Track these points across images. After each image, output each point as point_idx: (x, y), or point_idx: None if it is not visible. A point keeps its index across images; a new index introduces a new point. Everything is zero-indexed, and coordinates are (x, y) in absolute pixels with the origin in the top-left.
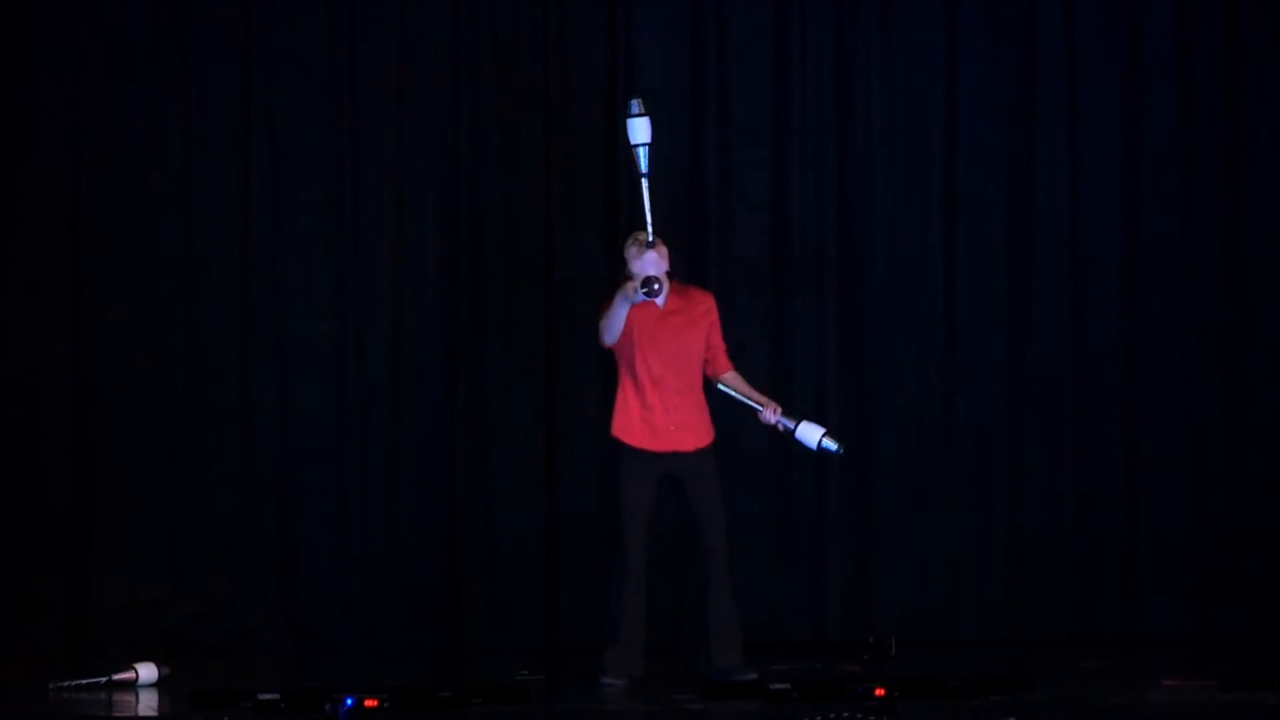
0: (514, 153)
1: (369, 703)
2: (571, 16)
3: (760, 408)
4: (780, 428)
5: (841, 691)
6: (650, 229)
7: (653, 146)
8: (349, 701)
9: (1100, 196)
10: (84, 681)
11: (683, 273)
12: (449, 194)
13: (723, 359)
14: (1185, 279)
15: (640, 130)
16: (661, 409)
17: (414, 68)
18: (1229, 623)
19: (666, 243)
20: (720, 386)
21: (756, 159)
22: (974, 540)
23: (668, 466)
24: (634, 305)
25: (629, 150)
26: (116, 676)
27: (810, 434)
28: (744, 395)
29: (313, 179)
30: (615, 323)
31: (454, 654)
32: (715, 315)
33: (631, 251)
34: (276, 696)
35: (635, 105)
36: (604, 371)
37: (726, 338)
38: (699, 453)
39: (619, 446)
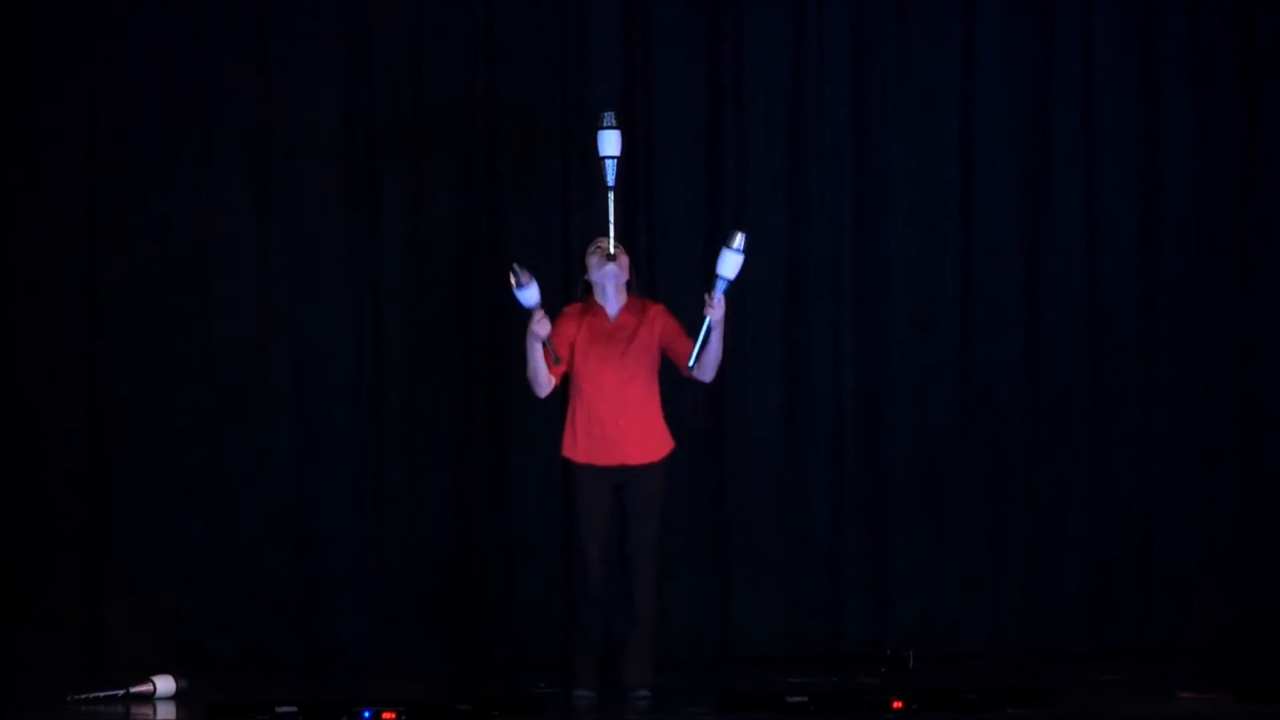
0: (530, 165)
1: (386, 715)
2: (588, 50)
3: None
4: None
5: (859, 704)
6: (613, 241)
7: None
8: (366, 714)
9: (1117, 200)
10: (101, 694)
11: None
12: (467, 206)
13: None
14: (1201, 284)
15: (611, 143)
16: (611, 422)
17: (431, 70)
18: (1245, 635)
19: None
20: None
21: (772, 161)
22: (989, 551)
23: (617, 479)
24: (581, 319)
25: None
26: (134, 689)
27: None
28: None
29: (329, 187)
30: (536, 368)
31: (471, 667)
32: (668, 321)
33: (593, 260)
34: (294, 709)
35: (608, 117)
36: None
37: (740, 339)
38: (648, 467)
39: (568, 465)
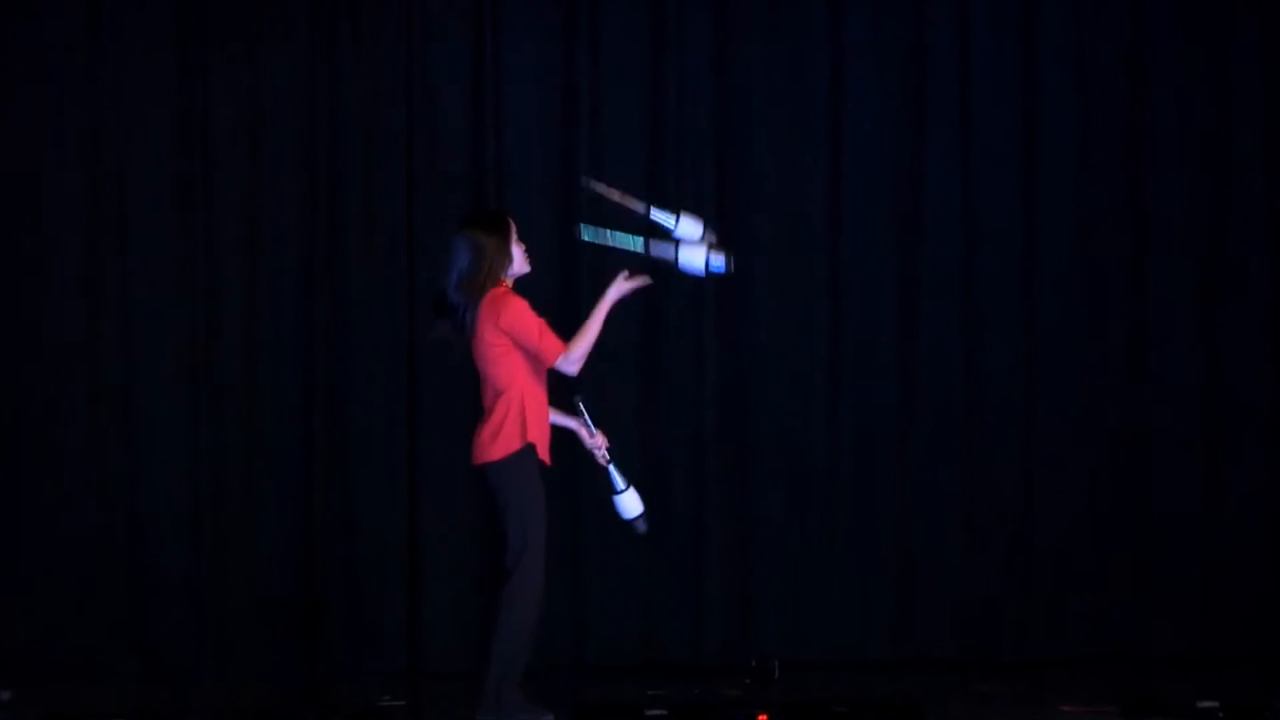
0: (374, 149)
1: None
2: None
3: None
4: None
5: (722, 717)
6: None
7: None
8: None
9: (996, 197)
10: None
11: (558, 292)
12: (306, 195)
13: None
14: (1085, 283)
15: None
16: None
17: (269, 61)
18: (1131, 645)
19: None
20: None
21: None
22: (859, 555)
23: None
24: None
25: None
26: None
27: (629, 506)
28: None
29: (162, 182)
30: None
31: (312, 677)
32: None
33: (519, 252)
34: None
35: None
36: (469, 381)
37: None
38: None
39: (527, 460)
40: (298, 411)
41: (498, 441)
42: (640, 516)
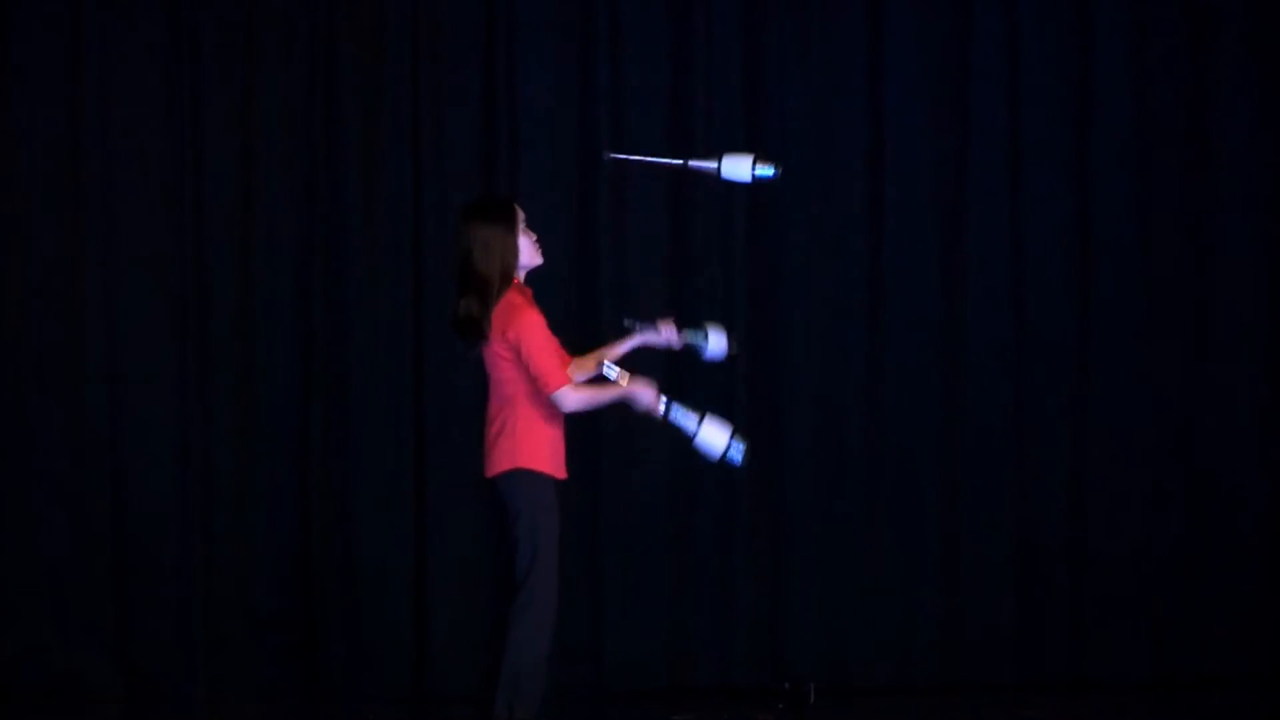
0: (378, 145)
1: None
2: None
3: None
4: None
5: None
6: None
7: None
8: None
9: (1045, 200)
10: None
11: (576, 291)
12: (303, 188)
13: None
14: (1141, 293)
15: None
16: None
17: (263, 48)
18: (1190, 667)
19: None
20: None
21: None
22: (900, 571)
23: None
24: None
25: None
26: None
27: (715, 437)
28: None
29: (152, 173)
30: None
31: (310, 699)
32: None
33: (526, 243)
34: None
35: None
36: (477, 387)
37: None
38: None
39: (532, 478)
40: (296, 415)
41: (504, 454)
42: (729, 447)
